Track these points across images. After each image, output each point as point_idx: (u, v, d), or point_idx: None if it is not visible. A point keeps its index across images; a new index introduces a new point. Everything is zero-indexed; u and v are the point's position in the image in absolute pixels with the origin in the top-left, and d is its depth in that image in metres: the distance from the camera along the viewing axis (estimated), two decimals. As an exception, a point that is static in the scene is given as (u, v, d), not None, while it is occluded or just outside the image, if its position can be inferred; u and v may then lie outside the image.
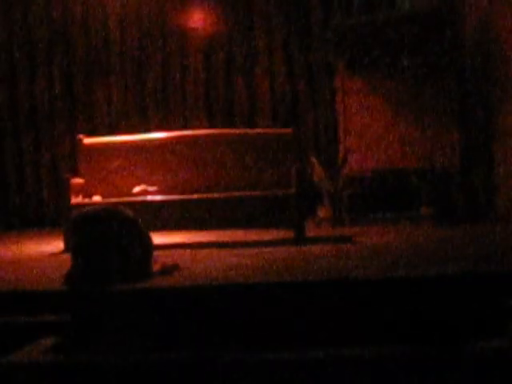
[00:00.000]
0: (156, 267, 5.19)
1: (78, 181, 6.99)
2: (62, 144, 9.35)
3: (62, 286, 4.75)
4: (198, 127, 8.24)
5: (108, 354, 4.16)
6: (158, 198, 6.82)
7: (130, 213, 5.17)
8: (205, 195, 6.76)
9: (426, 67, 7.95)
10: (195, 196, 6.76)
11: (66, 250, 6.23)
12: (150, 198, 6.83)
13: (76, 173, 7.19)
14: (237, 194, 6.75)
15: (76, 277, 4.79)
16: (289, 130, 7.21)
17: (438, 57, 7.92)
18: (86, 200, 6.86)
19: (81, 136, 7.34)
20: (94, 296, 4.62)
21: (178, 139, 7.22)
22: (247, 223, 6.86)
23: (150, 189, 6.93)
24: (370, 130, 8.05)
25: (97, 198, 6.91)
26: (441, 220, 7.51)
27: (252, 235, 7.11)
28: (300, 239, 6.58)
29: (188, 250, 6.37)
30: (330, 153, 8.83)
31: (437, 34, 7.93)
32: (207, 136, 7.27)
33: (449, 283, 4.48)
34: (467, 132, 8.02)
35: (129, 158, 7.15)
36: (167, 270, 5.17)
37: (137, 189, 6.93)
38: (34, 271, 5.39)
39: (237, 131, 7.75)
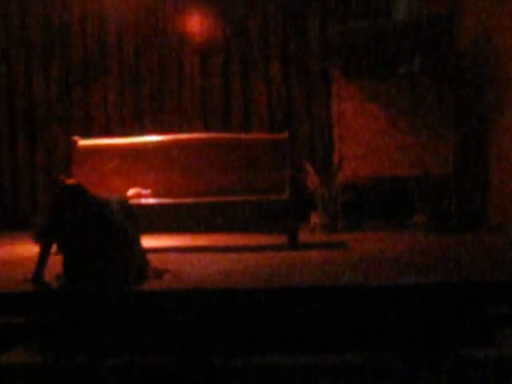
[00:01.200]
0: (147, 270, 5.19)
1: (72, 182, 6.96)
2: (57, 146, 9.33)
3: (54, 287, 4.75)
4: (194, 131, 8.22)
5: (100, 356, 4.15)
6: (152, 201, 6.82)
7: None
8: (198, 199, 6.74)
9: (421, 75, 7.96)
10: (189, 200, 6.74)
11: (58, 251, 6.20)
12: (143, 201, 6.82)
13: (70, 175, 7.17)
14: (231, 198, 6.73)
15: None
16: (284, 135, 7.18)
17: (434, 64, 7.94)
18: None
19: (75, 138, 7.33)
20: (86, 297, 4.62)
21: (173, 143, 7.20)
22: (241, 228, 6.85)
23: (144, 192, 6.91)
24: (364, 137, 8.04)
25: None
26: (434, 228, 7.51)
27: (245, 240, 7.09)
28: (293, 245, 6.57)
29: (181, 254, 6.36)
30: (324, 159, 8.84)
31: (433, 41, 7.94)
32: (202, 140, 7.26)
33: (439, 291, 4.48)
34: (462, 139, 8.03)
35: (123, 160, 7.13)
36: (158, 274, 5.16)
37: (131, 192, 6.91)
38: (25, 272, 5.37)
39: (232, 135, 7.75)
